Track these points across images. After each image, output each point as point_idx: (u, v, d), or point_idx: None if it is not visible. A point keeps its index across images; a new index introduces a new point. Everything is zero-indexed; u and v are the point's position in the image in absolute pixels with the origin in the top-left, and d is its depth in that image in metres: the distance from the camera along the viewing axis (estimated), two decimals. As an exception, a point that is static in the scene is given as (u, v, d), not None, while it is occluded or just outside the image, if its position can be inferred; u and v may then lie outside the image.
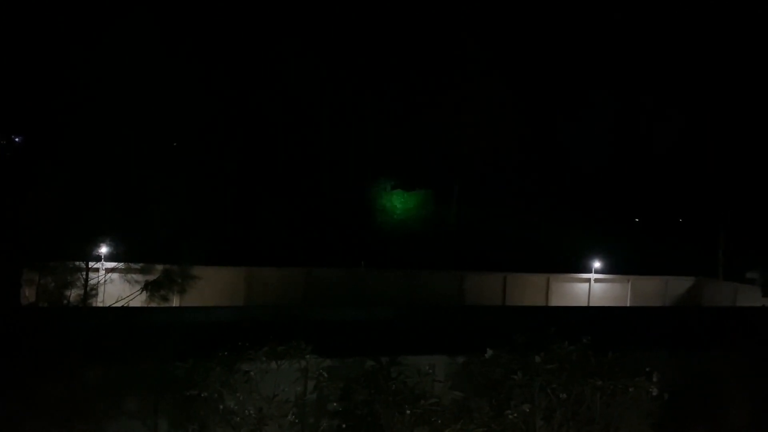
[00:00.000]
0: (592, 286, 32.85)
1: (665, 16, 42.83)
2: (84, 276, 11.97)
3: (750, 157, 37.22)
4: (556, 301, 32.09)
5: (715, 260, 35.85)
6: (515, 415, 10.89)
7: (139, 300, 12.85)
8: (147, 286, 12.40)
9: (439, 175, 42.37)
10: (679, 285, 34.06)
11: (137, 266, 12.54)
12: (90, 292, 11.99)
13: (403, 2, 40.17)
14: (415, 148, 41.59)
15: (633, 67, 44.84)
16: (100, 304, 13.75)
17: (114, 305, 12.74)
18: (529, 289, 32.11)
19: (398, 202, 42.29)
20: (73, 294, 11.57)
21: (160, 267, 12.67)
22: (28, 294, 11.42)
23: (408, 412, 10.30)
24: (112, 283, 13.29)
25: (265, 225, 39.84)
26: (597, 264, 33.24)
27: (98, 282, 12.48)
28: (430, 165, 42.27)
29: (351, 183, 42.61)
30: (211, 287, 24.12)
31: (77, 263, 11.99)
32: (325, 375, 10.87)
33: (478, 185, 42.84)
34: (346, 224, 41.15)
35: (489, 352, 11.41)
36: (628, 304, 32.56)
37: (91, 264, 12.33)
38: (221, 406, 9.97)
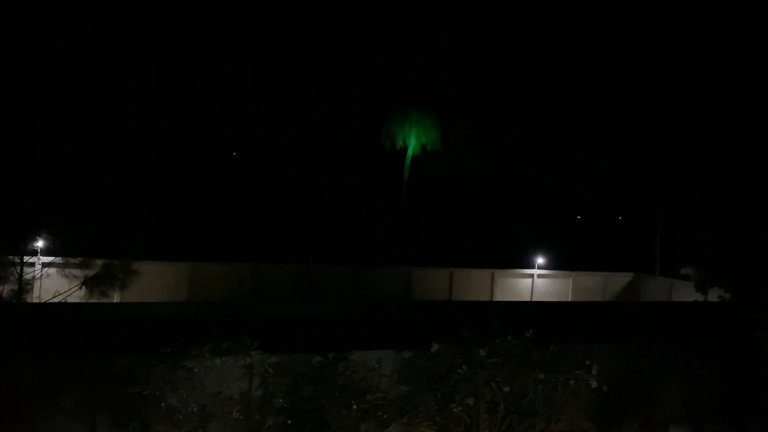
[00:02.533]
0: (536, 281, 33.56)
1: (601, 16, 44.02)
2: (18, 270, 11.53)
3: (685, 157, 38.68)
4: (500, 296, 32.64)
5: (652, 257, 37.17)
6: (460, 408, 11.04)
7: (77, 296, 12.47)
8: (86, 282, 12.05)
9: (388, 171, 42.55)
10: (618, 281, 35.14)
11: (76, 261, 12.16)
12: (24, 287, 11.57)
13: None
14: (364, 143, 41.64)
15: (569, 67, 45.99)
16: (36, 300, 13.27)
17: (51, 301, 12.32)
18: (474, 284, 32.57)
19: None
20: (6, 289, 11.14)
21: (100, 262, 12.32)
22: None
23: (354, 407, 10.32)
24: (48, 278, 12.85)
25: (210, 219, 39.20)
26: (540, 260, 33.98)
27: (34, 277, 12.05)
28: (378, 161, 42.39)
29: (298, 177, 42.35)
30: (153, 283, 23.56)
31: (10, 257, 11.55)
32: (271, 371, 10.78)
33: (427, 182, 43.22)
34: (295, 219, 40.89)
35: (435, 347, 11.52)
36: (569, 299, 33.40)
37: (26, 258, 11.89)
38: (163, 404, 9.77)
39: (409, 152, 40.33)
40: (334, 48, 41.21)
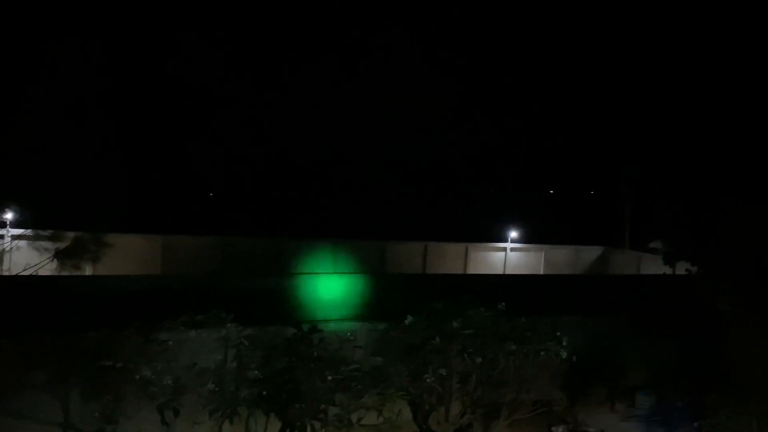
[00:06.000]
0: (508, 255, 33.94)
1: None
2: (-13, 243, 11.34)
3: (655, 132, 39.12)
4: (473, 270, 32.97)
5: (622, 231, 37.78)
6: (432, 378, 11.24)
7: (49, 268, 12.31)
8: (57, 254, 11.89)
9: (364, 148, 42.41)
10: (588, 254, 35.69)
11: (46, 233, 11.95)
12: (-6, 259, 11.40)
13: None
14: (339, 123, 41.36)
15: (542, 43, 45.97)
16: (6, 273, 13.08)
17: (21, 273, 12.16)
18: (448, 258, 32.82)
19: None
20: (-24, 262, 10.98)
21: (71, 234, 12.14)
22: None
23: (329, 378, 10.43)
24: (19, 250, 12.65)
25: (183, 192, 38.78)
26: (513, 234, 34.34)
27: (4, 249, 11.87)
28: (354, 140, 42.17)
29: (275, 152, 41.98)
30: (126, 255, 23.29)
31: (-21, 230, 11.36)
32: (246, 343, 10.83)
33: (402, 158, 43.22)
34: (269, 193, 40.66)
35: (409, 319, 11.68)
36: (541, 272, 33.89)
37: (-5, 230, 11.70)
38: (137, 377, 9.77)
39: None
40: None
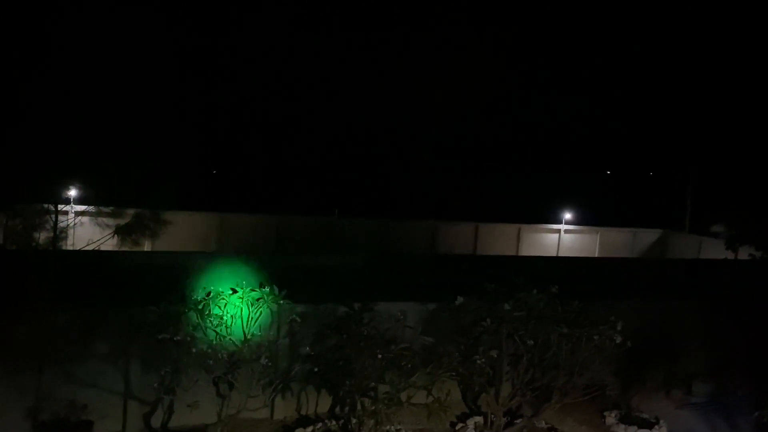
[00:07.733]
0: (562, 236, 33.37)
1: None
2: (53, 218, 11.81)
3: (720, 113, 37.60)
4: (526, 251, 32.59)
5: (682, 214, 36.60)
6: (483, 360, 11.18)
7: (110, 244, 12.76)
8: (118, 230, 12.31)
9: (412, 127, 42.23)
10: (646, 237, 34.76)
11: (108, 210, 12.39)
12: (59, 234, 11.86)
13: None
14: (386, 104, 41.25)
15: (602, 20, 44.54)
16: (70, 248, 13.62)
17: (84, 249, 12.63)
18: (500, 239, 32.52)
19: None
20: (42, 236, 11.44)
21: (131, 211, 12.55)
22: (-4, 236, 11.26)
23: (379, 356, 10.50)
24: (82, 226, 13.15)
25: (238, 171, 39.49)
26: (567, 215, 33.69)
27: (68, 225, 12.34)
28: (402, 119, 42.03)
29: (327, 131, 42.25)
30: (183, 232, 23.98)
31: (46, 206, 11.82)
32: (298, 320, 10.99)
33: (453, 137, 42.84)
34: (321, 172, 41.02)
35: (459, 299, 11.61)
36: (596, 255, 33.21)
37: (60, 207, 12.16)
38: (194, 350, 10.06)
39: None
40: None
